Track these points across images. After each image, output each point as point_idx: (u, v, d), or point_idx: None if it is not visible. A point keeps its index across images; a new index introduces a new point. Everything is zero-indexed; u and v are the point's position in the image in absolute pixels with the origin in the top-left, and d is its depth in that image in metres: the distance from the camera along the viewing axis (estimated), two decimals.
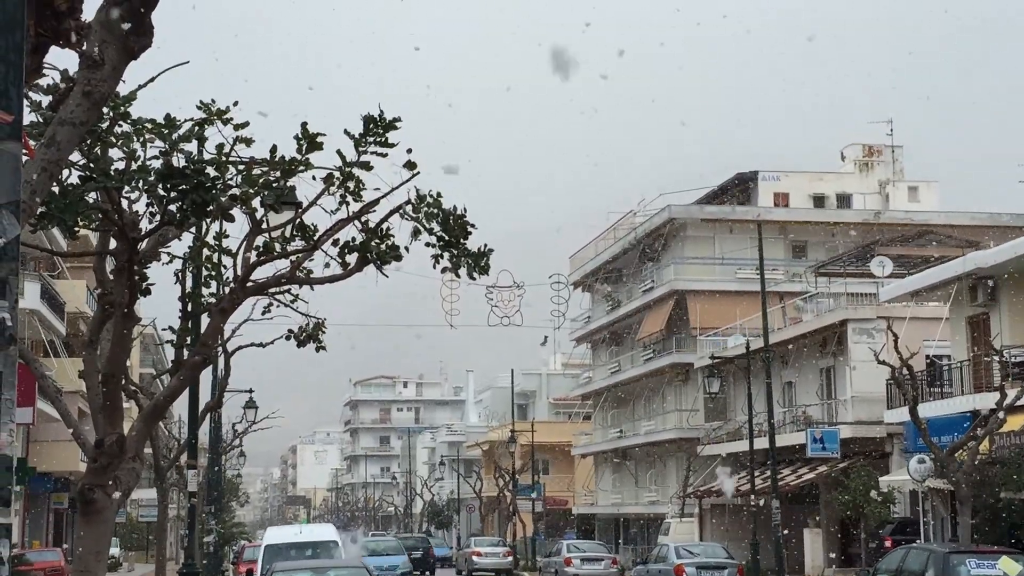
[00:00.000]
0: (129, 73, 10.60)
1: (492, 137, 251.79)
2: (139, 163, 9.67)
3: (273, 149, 10.00)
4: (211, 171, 9.47)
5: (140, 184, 9.63)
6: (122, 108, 9.64)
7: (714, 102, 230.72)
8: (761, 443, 40.94)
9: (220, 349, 29.25)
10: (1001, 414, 28.08)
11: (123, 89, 9.67)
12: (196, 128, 9.96)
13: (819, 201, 62.56)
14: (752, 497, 41.12)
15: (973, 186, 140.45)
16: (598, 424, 71.22)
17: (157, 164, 9.63)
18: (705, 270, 57.34)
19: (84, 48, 6.58)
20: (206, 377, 31.19)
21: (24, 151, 3.98)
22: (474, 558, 56.75)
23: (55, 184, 8.35)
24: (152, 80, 10.01)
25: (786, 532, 40.01)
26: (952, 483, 28.70)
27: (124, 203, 10.18)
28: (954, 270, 34.81)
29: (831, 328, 43.48)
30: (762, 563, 40.17)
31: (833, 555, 43.73)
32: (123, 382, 12.10)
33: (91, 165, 9.53)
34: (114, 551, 61.43)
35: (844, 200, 62.84)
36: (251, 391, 47.98)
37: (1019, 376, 30.03)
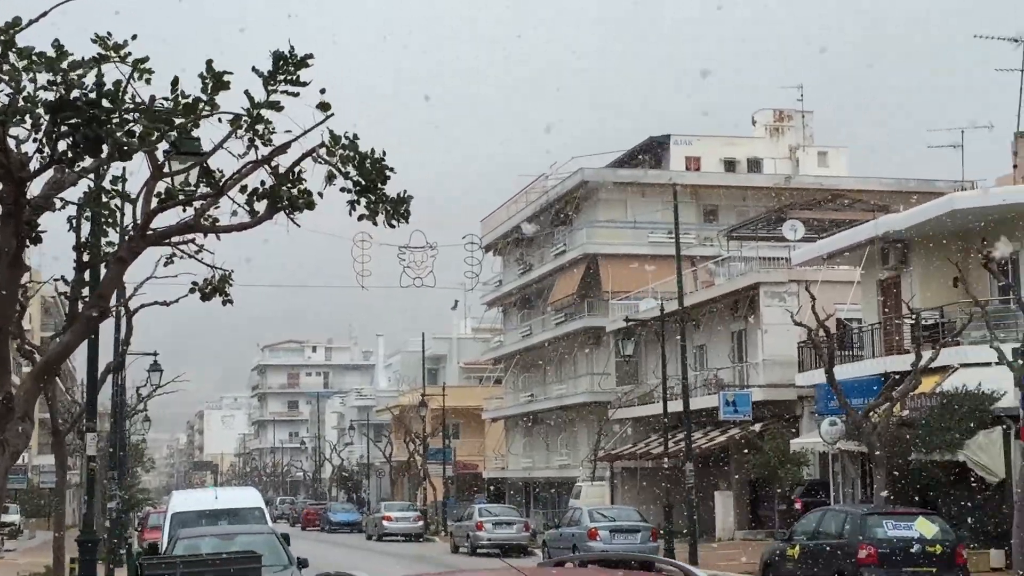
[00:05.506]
0: (23, 9, 9.84)
1: (412, 101, 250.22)
2: (26, 96, 8.87)
3: (175, 81, 9.26)
4: (106, 103, 8.73)
5: (27, 119, 8.86)
6: (7, 34, 8.84)
7: (627, 66, 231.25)
8: (674, 406, 40.88)
9: (122, 308, 28.32)
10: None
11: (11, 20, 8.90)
12: (91, 63, 9.19)
13: (730, 165, 62.67)
14: (665, 460, 41.13)
15: (881, 154, 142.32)
16: (509, 388, 71.01)
17: (48, 97, 8.86)
18: (617, 234, 57.18)
19: None
20: (107, 338, 30.12)
21: None
22: (384, 523, 56.37)
23: None
24: (44, 15, 9.26)
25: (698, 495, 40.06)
26: (867, 445, 28.76)
27: (11, 143, 9.39)
28: (866, 233, 34.88)
29: (743, 292, 43.54)
30: (674, 526, 40.16)
31: (743, 517, 43.95)
32: (14, 338, 11.29)
33: None
34: (14, 518, 59.92)
35: (755, 164, 63.03)
36: (156, 354, 46.88)
37: (929, 339, 30.15)
